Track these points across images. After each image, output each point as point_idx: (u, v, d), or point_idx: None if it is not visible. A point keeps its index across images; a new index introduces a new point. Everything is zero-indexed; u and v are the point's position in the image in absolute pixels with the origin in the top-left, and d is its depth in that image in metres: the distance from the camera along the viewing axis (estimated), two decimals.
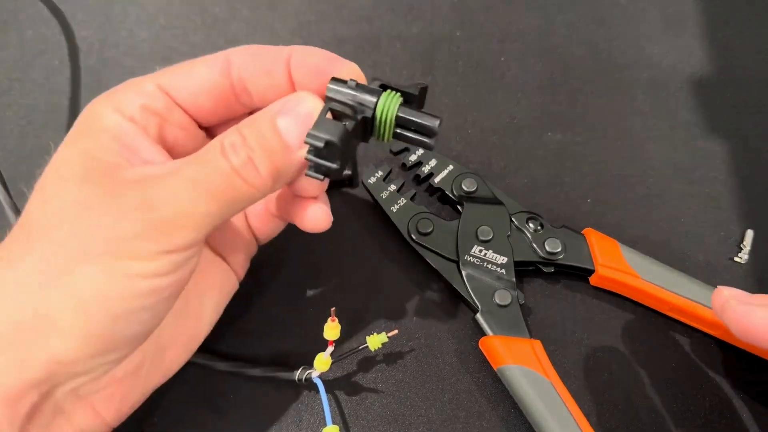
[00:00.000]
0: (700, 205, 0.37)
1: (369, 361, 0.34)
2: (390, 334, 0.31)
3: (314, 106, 0.25)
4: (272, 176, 0.24)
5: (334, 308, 0.29)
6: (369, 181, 0.36)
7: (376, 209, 0.37)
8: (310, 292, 0.35)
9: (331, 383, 0.33)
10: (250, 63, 0.26)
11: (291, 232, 0.37)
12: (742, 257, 0.35)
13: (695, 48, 0.41)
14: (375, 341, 0.31)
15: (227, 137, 0.24)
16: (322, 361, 0.30)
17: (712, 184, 0.37)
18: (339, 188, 0.38)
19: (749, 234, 0.36)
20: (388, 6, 0.42)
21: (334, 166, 0.23)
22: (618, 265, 0.33)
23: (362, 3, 0.42)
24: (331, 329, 0.29)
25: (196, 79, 0.27)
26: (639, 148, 0.38)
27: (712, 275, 0.35)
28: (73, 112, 0.39)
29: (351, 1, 0.42)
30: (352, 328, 0.34)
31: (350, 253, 0.36)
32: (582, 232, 0.34)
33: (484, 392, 0.33)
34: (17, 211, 0.33)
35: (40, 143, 0.39)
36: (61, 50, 0.41)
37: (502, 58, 0.41)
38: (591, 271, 0.33)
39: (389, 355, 0.34)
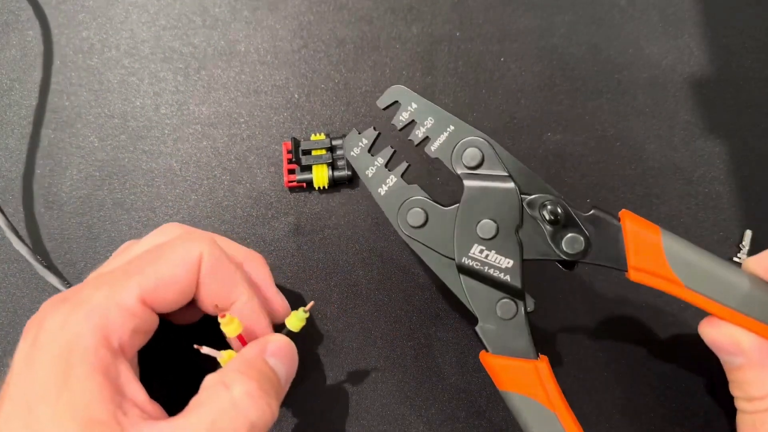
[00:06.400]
0: (700, 205, 0.37)
1: (369, 360, 0.34)
2: (307, 308, 0.29)
3: (291, 347, 0.28)
4: (278, 409, 0.26)
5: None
6: (352, 153, 0.29)
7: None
8: (312, 293, 0.35)
9: (332, 382, 0.33)
10: (215, 274, 0.27)
11: (291, 232, 0.37)
12: (742, 257, 0.35)
13: (694, 48, 0.41)
14: (295, 321, 0.29)
15: (238, 386, 0.24)
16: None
17: (711, 184, 0.37)
18: (338, 187, 0.38)
19: (748, 234, 0.36)
20: (388, 7, 0.42)
21: None
22: (656, 267, 0.26)
23: (362, 4, 0.42)
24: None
25: (176, 286, 0.26)
26: (638, 148, 0.38)
27: None
28: (76, 112, 0.40)
29: (351, 2, 0.42)
30: (352, 326, 0.34)
31: (351, 253, 0.36)
32: (619, 213, 0.27)
33: (484, 391, 0.33)
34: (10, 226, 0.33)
35: (42, 144, 0.39)
36: (62, 51, 0.41)
37: (502, 59, 0.41)
38: (623, 270, 0.27)
39: (389, 355, 0.34)
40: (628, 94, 0.40)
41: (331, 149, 0.37)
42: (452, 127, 0.28)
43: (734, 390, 0.28)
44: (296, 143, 0.37)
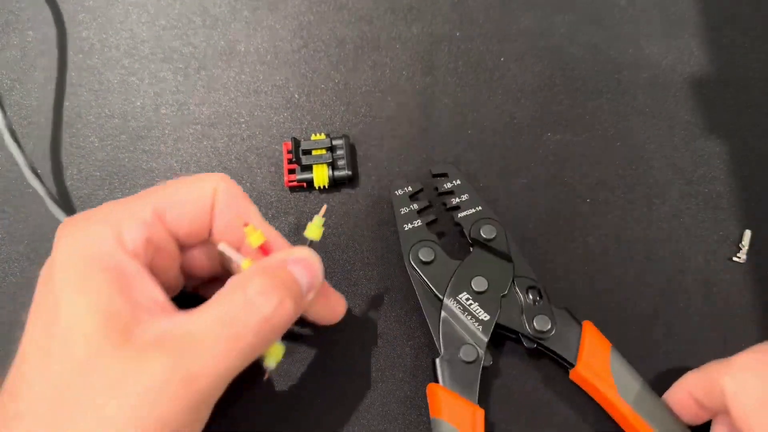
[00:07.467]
0: (700, 205, 0.37)
1: (369, 360, 0.34)
2: (321, 213, 0.30)
3: (314, 257, 0.28)
4: (297, 313, 0.26)
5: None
6: (396, 192, 0.35)
7: (385, 210, 0.37)
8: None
9: (332, 382, 0.33)
10: (229, 205, 0.28)
11: (291, 233, 0.37)
12: (741, 257, 0.35)
13: (694, 48, 0.41)
14: (314, 230, 0.30)
15: (253, 285, 0.25)
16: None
17: (711, 184, 0.37)
18: (338, 187, 0.38)
19: (747, 234, 0.36)
20: (388, 6, 0.42)
21: None
22: (600, 370, 0.31)
23: (362, 3, 0.42)
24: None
25: (189, 208, 0.28)
26: (639, 148, 0.38)
27: (711, 275, 0.35)
28: (76, 112, 0.40)
29: (351, 2, 0.42)
30: (352, 326, 0.34)
31: (351, 253, 0.36)
32: (582, 322, 0.32)
33: (484, 390, 0.33)
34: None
35: (42, 144, 0.39)
36: (62, 51, 0.41)
37: (502, 58, 0.41)
38: (572, 365, 0.31)
39: (389, 355, 0.34)
40: (628, 94, 0.40)
41: (332, 149, 0.37)
42: (480, 208, 0.35)
43: None
44: (296, 143, 0.37)
